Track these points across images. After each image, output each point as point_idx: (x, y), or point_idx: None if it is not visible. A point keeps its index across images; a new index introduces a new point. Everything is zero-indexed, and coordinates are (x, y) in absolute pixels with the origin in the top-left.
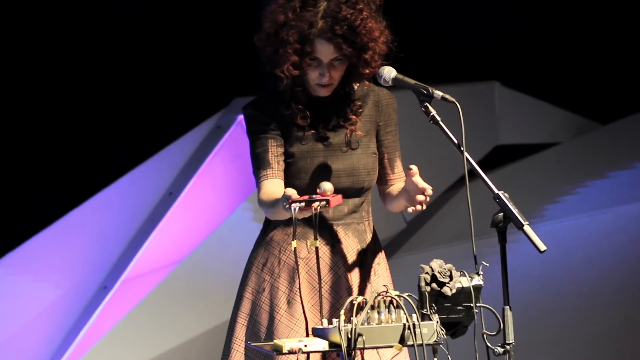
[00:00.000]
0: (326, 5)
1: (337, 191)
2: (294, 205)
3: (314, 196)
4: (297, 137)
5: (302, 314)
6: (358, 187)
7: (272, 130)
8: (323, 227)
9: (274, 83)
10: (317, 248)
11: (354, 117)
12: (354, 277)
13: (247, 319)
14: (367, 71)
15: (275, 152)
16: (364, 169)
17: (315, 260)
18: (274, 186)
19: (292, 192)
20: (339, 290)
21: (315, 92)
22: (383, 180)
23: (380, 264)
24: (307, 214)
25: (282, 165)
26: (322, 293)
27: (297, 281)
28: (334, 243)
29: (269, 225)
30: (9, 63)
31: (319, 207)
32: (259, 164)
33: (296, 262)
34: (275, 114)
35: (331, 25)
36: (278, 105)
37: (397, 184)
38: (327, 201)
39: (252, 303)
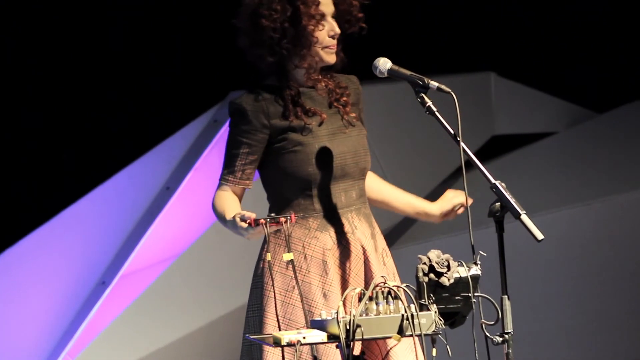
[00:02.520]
0: None
1: (345, 174)
2: (261, 222)
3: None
4: (297, 126)
5: (340, 305)
6: (362, 167)
7: (251, 135)
8: (340, 216)
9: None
10: (292, 261)
11: (344, 99)
12: (374, 261)
13: (281, 320)
14: (361, 15)
15: (244, 160)
16: (362, 149)
17: (342, 250)
18: (227, 196)
19: (249, 215)
20: (366, 277)
21: (325, 58)
22: None
23: (385, 245)
24: (257, 237)
25: (247, 173)
26: (351, 282)
27: (327, 276)
28: (353, 230)
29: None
30: (6, 60)
31: (287, 222)
32: (226, 164)
33: (294, 271)
34: (263, 113)
35: None
36: (268, 100)
37: (394, 192)
38: (289, 218)
39: (282, 303)
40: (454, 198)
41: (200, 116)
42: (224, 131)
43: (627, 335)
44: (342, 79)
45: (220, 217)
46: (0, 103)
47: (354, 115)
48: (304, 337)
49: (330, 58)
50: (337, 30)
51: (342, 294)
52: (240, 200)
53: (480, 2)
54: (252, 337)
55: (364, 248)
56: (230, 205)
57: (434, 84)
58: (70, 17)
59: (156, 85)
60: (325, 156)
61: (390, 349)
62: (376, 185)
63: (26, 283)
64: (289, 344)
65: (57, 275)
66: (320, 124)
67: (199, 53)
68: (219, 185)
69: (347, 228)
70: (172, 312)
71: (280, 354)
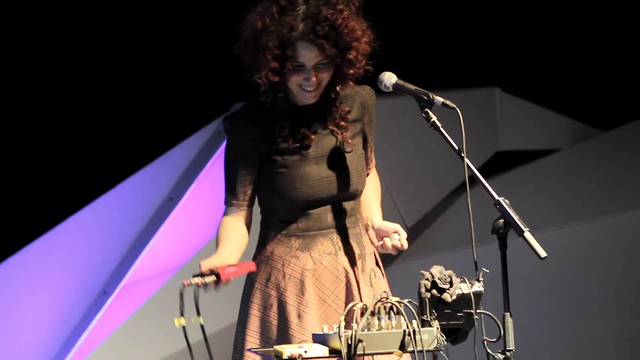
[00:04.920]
0: (305, 9)
1: (332, 196)
2: (191, 281)
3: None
4: (284, 148)
5: (314, 326)
6: (353, 189)
7: (246, 154)
8: (323, 236)
9: (258, 94)
10: (202, 325)
11: (343, 123)
12: (360, 283)
13: (259, 337)
14: (352, 71)
15: (243, 182)
16: (355, 171)
17: (322, 271)
18: (227, 226)
19: (207, 265)
20: (347, 299)
21: (301, 98)
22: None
23: (375, 266)
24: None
25: (248, 194)
26: (330, 304)
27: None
28: (336, 251)
29: (266, 240)
30: (10, 70)
31: (201, 284)
32: (227, 188)
33: (204, 335)
34: (255, 129)
35: (312, 27)
36: (259, 118)
37: (367, 195)
38: (218, 275)
39: (260, 320)
40: (397, 229)
41: (204, 127)
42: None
43: (630, 353)
44: (348, 98)
45: (216, 243)
46: (2, 113)
47: (351, 141)
48: (306, 352)
49: (305, 98)
50: (310, 85)
51: (319, 315)
52: (249, 221)
53: (486, 19)
54: (254, 350)
55: (346, 270)
56: (224, 239)
57: (438, 99)
58: (75, 27)
59: (160, 97)
60: (311, 179)
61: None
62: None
63: (28, 292)
64: (291, 358)
65: (59, 284)
66: (308, 147)
67: (203, 65)
68: (225, 210)
69: (330, 249)
70: (173, 322)
71: None
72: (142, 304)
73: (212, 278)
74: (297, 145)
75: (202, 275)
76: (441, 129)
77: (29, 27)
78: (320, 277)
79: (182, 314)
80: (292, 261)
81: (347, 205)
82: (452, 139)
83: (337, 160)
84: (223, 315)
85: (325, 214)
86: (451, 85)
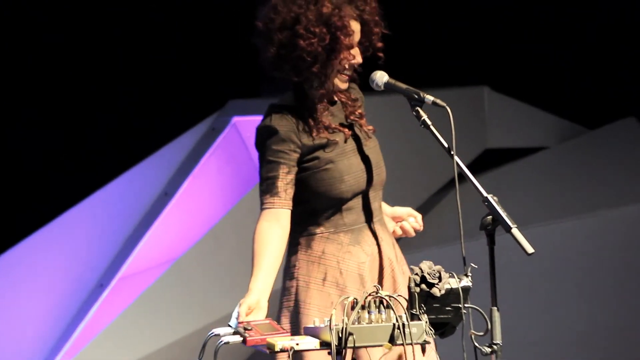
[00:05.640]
0: None
1: (370, 186)
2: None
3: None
4: (325, 145)
5: (333, 314)
6: (382, 177)
7: (285, 153)
8: (368, 228)
9: (274, 95)
10: None
11: (359, 111)
12: (397, 271)
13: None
14: (380, 44)
15: (284, 180)
16: (381, 160)
17: (373, 263)
18: (272, 223)
19: (248, 311)
20: (395, 288)
21: (338, 86)
22: None
23: (401, 253)
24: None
25: (290, 193)
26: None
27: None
28: (380, 242)
29: (311, 241)
30: (7, 64)
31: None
32: (267, 189)
33: None
34: (293, 132)
35: (354, 4)
36: (296, 121)
37: None
38: (244, 339)
39: (322, 320)
40: (408, 212)
41: (199, 124)
42: (222, 139)
43: (612, 347)
44: (352, 91)
45: (253, 256)
46: (2, 112)
47: (370, 127)
48: (297, 344)
49: (343, 85)
50: (360, 61)
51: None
52: (288, 223)
53: (475, 18)
54: (226, 338)
55: (390, 260)
56: (267, 250)
57: (429, 97)
58: (73, 26)
59: (156, 93)
60: (355, 172)
61: (380, 358)
62: None
63: (25, 285)
64: (282, 350)
65: (56, 277)
66: (345, 140)
67: (199, 61)
68: (262, 215)
69: (375, 240)
70: (169, 314)
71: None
72: (138, 296)
73: (239, 340)
74: (336, 141)
75: (233, 329)
76: (431, 127)
77: (29, 27)
78: (373, 269)
79: (200, 358)
80: (346, 257)
81: (379, 195)
82: (442, 137)
83: (367, 150)
84: (215, 308)
85: (366, 205)
86: (441, 84)
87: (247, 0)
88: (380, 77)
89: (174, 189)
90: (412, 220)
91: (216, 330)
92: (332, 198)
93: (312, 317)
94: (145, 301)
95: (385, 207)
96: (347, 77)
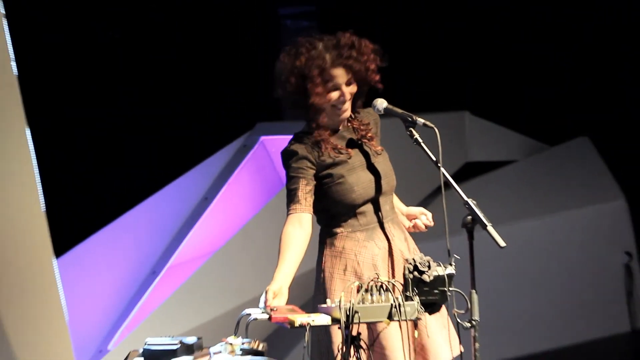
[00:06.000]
0: (323, 45)
1: (379, 193)
2: (252, 314)
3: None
4: (336, 162)
5: (342, 295)
6: (391, 185)
7: (304, 169)
8: (380, 227)
9: (294, 119)
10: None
11: (369, 134)
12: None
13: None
14: (377, 77)
15: (304, 190)
16: (390, 171)
17: (384, 255)
18: (295, 225)
19: (277, 300)
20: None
21: (335, 118)
22: None
23: (414, 243)
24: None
25: (310, 200)
26: (398, 279)
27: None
28: (392, 237)
29: (333, 238)
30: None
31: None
32: (290, 198)
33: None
34: (309, 153)
35: (338, 53)
36: (310, 145)
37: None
38: (270, 316)
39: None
40: (421, 211)
41: (233, 142)
42: (252, 154)
43: (567, 323)
44: (364, 115)
45: (279, 252)
46: (84, 118)
47: (380, 147)
48: (313, 320)
49: (339, 116)
50: (346, 98)
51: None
52: (310, 223)
53: (457, 55)
54: (255, 315)
55: (401, 251)
56: (291, 246)
57: (420, 120)
58: (131, 53)
59: (200, 117)
60: (363, 183)
61: (379, 332)
62: None
63: (93, 271)
64: (301, 325)
65: (119, 265)
66: (350, 158)
67: (233, 91)
68: (287, 219)
69: (387, 236)
70: (208, 296)
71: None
72: (184, 281)
73: (265, 317)
74: (346, 159)
75: (262, 309)
76: (422, 144)
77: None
78: (385, 259)
79: (235, 334)
80: (362, 251)
81: (389, 199)
82: (430, 152)
83: (376, 164)
84: (245, 292)
85: (377, 208)
86: (429, 109)
87: (271, 45)
88: (381, 103)
89: (212, 195)
90: (423, 217)
91: (247, 310)
92: (347, 205)
93: (335, 296)
94: (189, 285)
95: (401, 207)
96: (341, 112)
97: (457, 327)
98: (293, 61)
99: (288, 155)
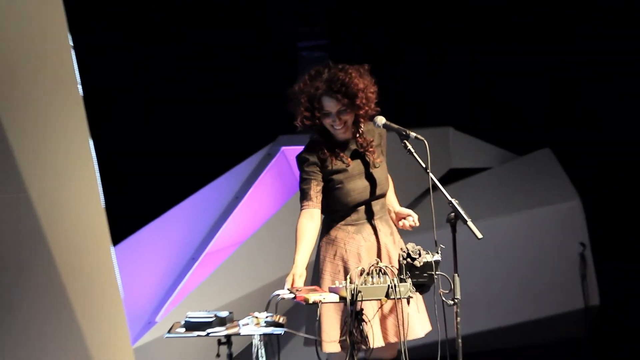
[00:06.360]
0: (327, 75)
1: (371, 198)
2: (280, 295)
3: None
4: (338, 169)
5: (348, 277)
6: (384, 192)
7: (314, 173)
8: (369, 223)
9: (312, 134)
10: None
11: (371, 149)
12: (392, 250)
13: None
14: (362, 112)
15: (315, 190)
16: (385, 180)
17: (375, 243)
18: (309, 218)
19: (296, 281)
20: (391, 263)
21: (337, 135)
22: None
23: (400, 238)
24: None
25: (319, 197)
26: (388, 261)
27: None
28: (378, 232)
29: (330, 229)
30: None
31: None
32: (303, 196)
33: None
34: (317, 158)
35: (330, 86)
36: (318, 152)
37: (389, 194)
38: (294, 295)
39: (332, 281)
40: (410, 213)
41: (259, 151)
42: (274, 161)
43: (532, 302)
44: (369, 133)
45: (296, 241)
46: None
47: (378, 159)
48: (324, 298)
49: (338, 134)
50: (336, 126)
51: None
52: (318, 219)
53: (443, 81)
54: (283, 296)
55: (386, 244)
56: (306, 236)
57: (412, 134)
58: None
59: (232, 131)
60: (358, 189)
61: (379, 308)
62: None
63: (144, 257)
64: (314, 302)
65: (165, 251)
66: (349, 167)
67: (259, 110)
68: (301, 214)
69: (374, 231)
70: (239, 278)
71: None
72: (217, 266)
73: (291, 297)
74: (346, 167)
75: (288, 290)
76: (414, 153)
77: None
78: (370, 250)
79: (267, 310)
80: (350, 241)
81: (380, 201)
82: (421, 160)
83: (371, 174)
84: (268, 274)
85: (368, 208)
86: (421, 125)
87: (290, 73)
88: (380, 120)
89: (242, 194)
90: (410, 219)
91: (277, 292)
92: (343, 205)
93: (326, 281)
94: (222, 269)
95: (395, 206)
96: (338, 132)
97: (442, 304)
98: (298, 85)
99: (302, 161)
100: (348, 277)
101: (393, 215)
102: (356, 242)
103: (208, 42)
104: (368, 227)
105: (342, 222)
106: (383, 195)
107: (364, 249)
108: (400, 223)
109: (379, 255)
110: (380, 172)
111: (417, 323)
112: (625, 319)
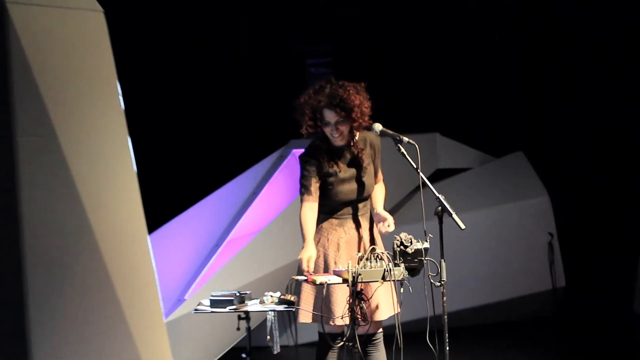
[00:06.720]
0: (329, 90)
1: (357, 199)
2: (294, 278)
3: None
4: (331, 173)
5: (350, 262)
6: (368, 194)
7: (313, 171)
8: (351, 218)
9: (314, 139)
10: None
11: (361, 157)
12: (368, 243)
13: (312, 272)
14: (356, 124)
15: (314, 186)
16: (370, 185)
17: (354, 236)
18: (310, 209)
19: (309, 265)
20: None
21: (334, 142)
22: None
23: (376, 233)
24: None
25: (317, 193)
26: (354, 256)
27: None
28: (357, 227)
29: (319, 219)
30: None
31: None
32: (304, 190)
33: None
34: (317, 160)
35: (330, 100)
36: (318, 155)
37: (375, 194)
38: (306, 278)
39: (314, 263)
40: (388, 218)
41: (273, 154)
42: (286, 162)
43: (508, 282)
44: (361, 141)
45: (301, 227)
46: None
47: (367, 167)
48: (329, 280)
49: (335, 142)
50: (336, 133)
51: (347, 261)
52: (316, 209)
53: (432, 92)
54: (297, 277)
55: (363, 238)
56: (310, 224)
57: (405, 139)
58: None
59: (250, 136)
60: (346, 191)
61: (376, 289)
62: (373, 192)
63: (175, 243)
64: (321, 284)
65: (192, 239)
66: (340, 171)
67: (273, 118)
68: (303, 203)
69: (355, 225)
70: (256, 261)
71: (311, 290)
72: (238, 252)
73: (304, 278)
74: (338, 171)
75: (300, 273)
76: (406, 155)
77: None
78: (349, 242)
79: (287, 292)
80: (332, 232)
81: (364, 201)
82: (412, 161)
83: (359, 179)
84: (283, 258)
85: (353, 206)
86: (411, 131)
87: (300, 85)
88: (377, 126)
89: (259, 190)
90: (386, 224)
91: (294, 277)
92: (332, 202)
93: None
94: (241, 254)
95: (379, 207)
96: (335, 139)
97: (431, 285)
98: (303, 98)
99: (304, 161)
100: (349, 262)
101: (375, 215)
102: (337, 234)
103: (236, 64)
104: (350, 222)
105: (329, 215)
106: (367, 198)
107: (344, 241)
108: (377, 226)
109: (358, 247)
110: (367, 178)
111: (385, 307)
112: (587, 298)
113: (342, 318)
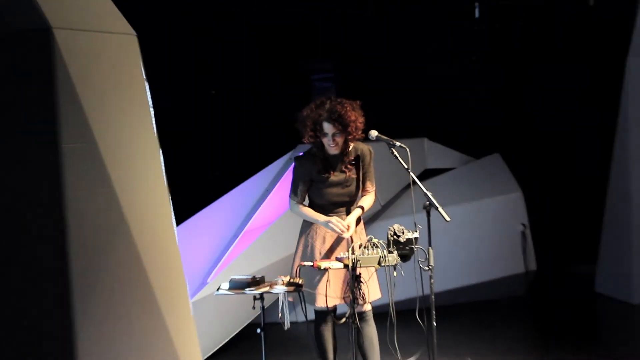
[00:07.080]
0: (329, 106)
1: (343, 202)
2: (303, 264)
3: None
4: (322, 178)
5: (350, 250)
6: (352, 199)
7: (304, 176)
8: (336, 215)
9: (312, 146)
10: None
11: (349, 166)
12: (355, 240)
13: (301, 260)
14: (351, 137)
15: (302, 190)
16: (355, 190)
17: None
18: (301, 205)
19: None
20: (347, 245)
21: (329, 150)
22: (360, 189)
23: (362, 228)
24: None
25: (304, 196)
26: (339, 249)
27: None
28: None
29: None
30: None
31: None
32: (293, 191)
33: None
34: (309, 166)
35: (329, 115)
36: (310, 161)
37: (362, 197)
38: (312, 264)
39: (302, 252)
40: (349, 225)
41: (282, 157)
42: (293, 165)
43: (486, 266)
44: (353, 153)
45: (307, 215)
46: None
47: (354, 176)
48: (331, 266)
49: (331, 151)
50: (332, 144)
51: (332, 254)
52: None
53: (419, 99)
54: (305, 263)
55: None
56: (311, 210)
57: (397, 143)
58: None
59: (263, 142)
60: (332, 195)
61: (372, 274)
62: (359, 200)
63: (200, 234)
64: (325, 269)
65: (214, 231)
66: (329, 178)
67: (283, 125)
68: (293, 201)
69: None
70: (269, 249)
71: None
72: (253, 241)
73: (310, 264)
74: (328, 177)
75: (309, 260)
76: (398, 157)
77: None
78: (333, 236)
79: (297, 276)
80: (320, 227)
81: (350, 203)
82: (404, 162)
83: (344, 185)
84: (290, 247)
85: (339, 206)
86: (403, 137)
87: (305, 98)
88: (373, 133)
89: (271, 188)
90: (345, 225)
91: (303, 263)
92: (320, 201)
93: (298, 251)
94: (256, 243)
95: (351, 214)
96: (332, 148)
97: (420, 270)
98: (306, 111)
99: (296, 165)
100: (350, 249)
101: (348, 216)
102: (324, 229)
103: (257, 80)
104: (336, 219)
105: (318, 211)
106: (352, 202)
107: (329, 235)
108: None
109: (341, 242)
110: (353, 186)
111: (371, 291)
112: (555, 280)
113: (343, 299)
